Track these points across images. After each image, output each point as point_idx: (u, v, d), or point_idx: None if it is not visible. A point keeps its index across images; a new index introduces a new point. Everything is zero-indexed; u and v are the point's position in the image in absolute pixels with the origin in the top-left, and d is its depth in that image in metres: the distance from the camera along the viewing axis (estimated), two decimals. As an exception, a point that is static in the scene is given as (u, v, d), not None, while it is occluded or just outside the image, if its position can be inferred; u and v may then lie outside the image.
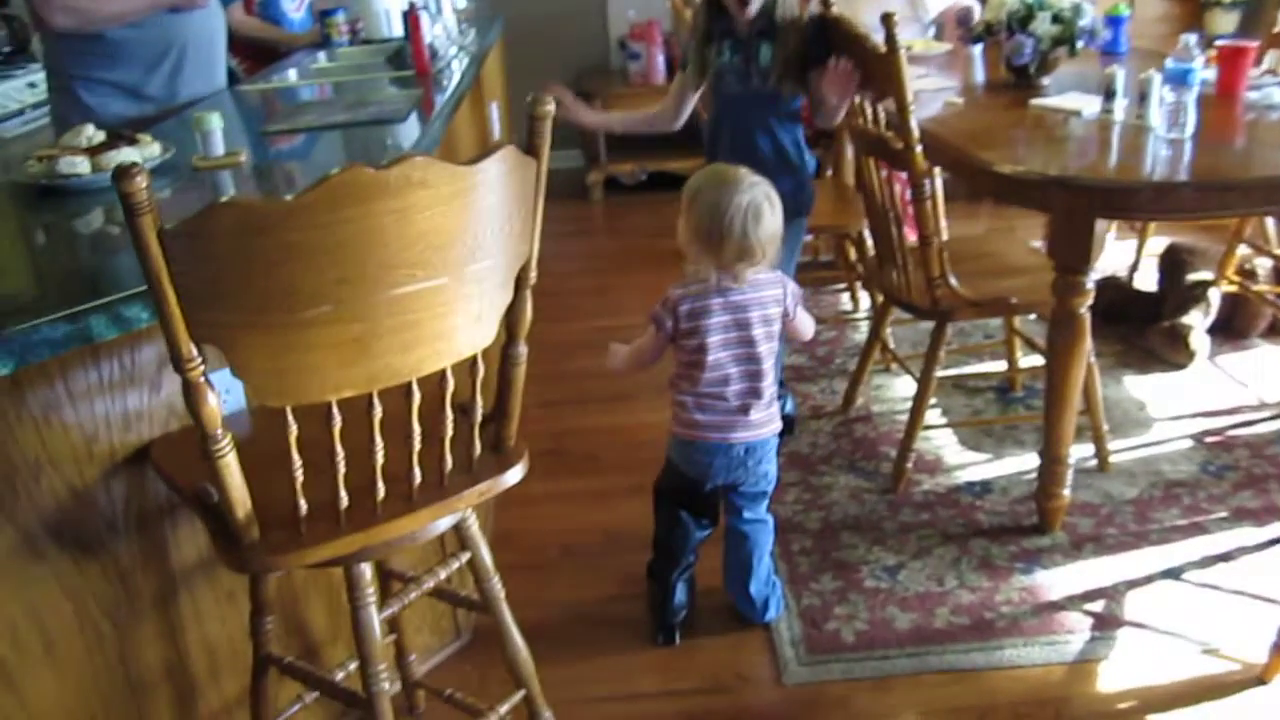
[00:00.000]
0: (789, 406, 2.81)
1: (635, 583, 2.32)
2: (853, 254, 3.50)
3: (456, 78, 2.84)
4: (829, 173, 3.84)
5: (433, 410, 1.38)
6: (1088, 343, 2.27)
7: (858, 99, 2.46)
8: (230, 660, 1.81)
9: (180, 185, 1.91)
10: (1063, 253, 2.19)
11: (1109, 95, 2.50)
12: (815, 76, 2.49)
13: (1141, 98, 2.41)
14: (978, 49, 3.30)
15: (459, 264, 1.29)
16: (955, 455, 2.78)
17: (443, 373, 1.37)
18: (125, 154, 1.90)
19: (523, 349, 1.50)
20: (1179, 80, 2.26)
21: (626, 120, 3.09)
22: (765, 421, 2.04)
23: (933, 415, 2.94)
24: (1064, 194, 2.12)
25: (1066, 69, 2.90)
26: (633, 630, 2.25)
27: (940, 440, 2.85)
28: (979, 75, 3.26)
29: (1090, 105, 2.58)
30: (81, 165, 1.85)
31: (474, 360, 1.41)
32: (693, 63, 2.70)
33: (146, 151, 1.96)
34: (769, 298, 1.99)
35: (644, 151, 5.35)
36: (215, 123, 1.98)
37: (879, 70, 2.30)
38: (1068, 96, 2.70)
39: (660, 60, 5.31)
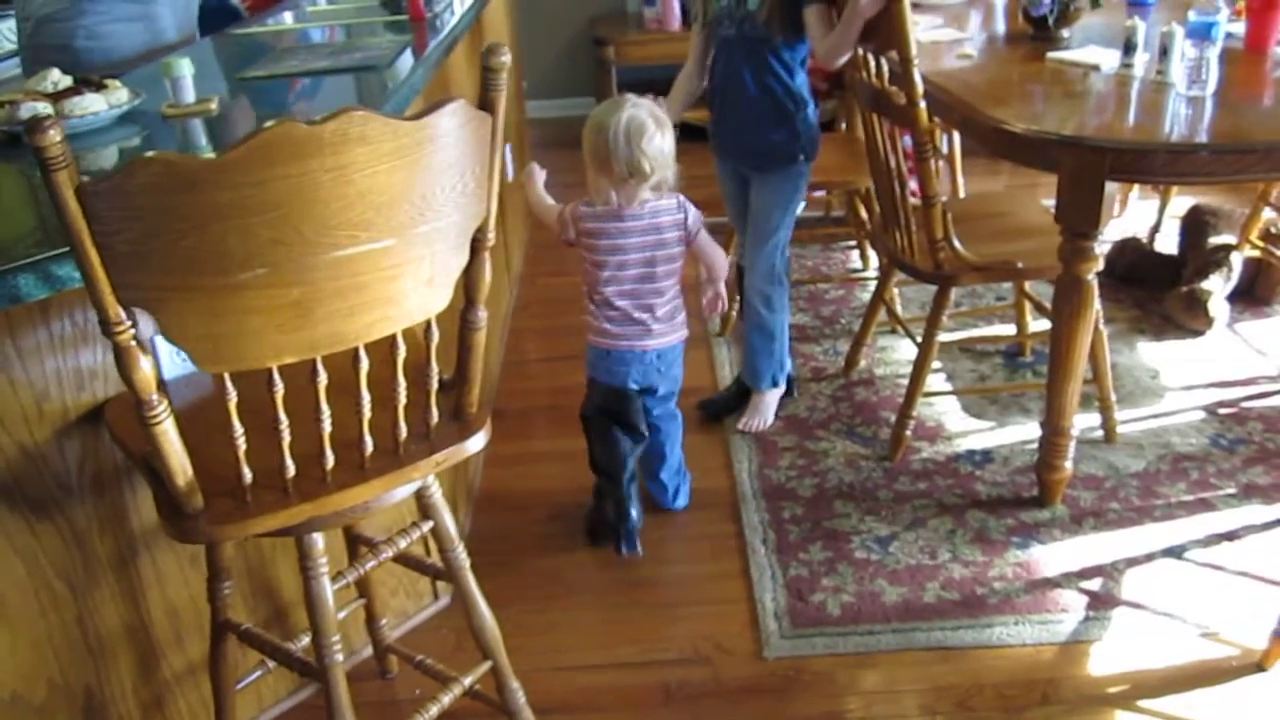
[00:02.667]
0: (789, 367, 2.74)
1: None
2: (863, 211, 3.39)
3: (454, 23, 2.74)
4: (842, 125, 3.73)
5: (387, 377, 1.33)
6: (1095, 310, 2.17)
7: (860, 50, 2.35)
8: (194, 623, 1.77)
9: (148, 134, 1.85)
10: (1070, 216, 2.09)
11: (1128, 49, 2.38)
12: (810, 16, 2.37)
13: (1163, 52, 2.29)
14: (999, 3, 3.17)
15: (406, 225, 1.22)
16: (957, 422, 2.70)
17: (393, 338, 1.30)
18: (90, 100, 1.83)
19: (482, 313, 1.43)
20: (1201, 34, 2.13)
21: (674, 110, 2.68)
22: (669, 331, 2.21)
23: (936, 380, 2.86)
24: (1074, 154, 2.01)
25: (1091, 20, 2.77)
26: (614, 596, 2.20)
27: (942, 406, 2.77)
28: (997, 26, 3.13)
29: (1109, 60, 2.45)
30: (43, 111, 1.78)
31: (428, 325, 1.34)
32: (696, 9, 2.62)
33: (114, 98, 1.89)
34: (666, 221, 2.12)
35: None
36: (185, 69, 1.91)
37: (881, 20, 2.19)
38: (1087, 50, 2.57)
39: (676, 6, 5.17)
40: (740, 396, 2.80)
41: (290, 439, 1.30)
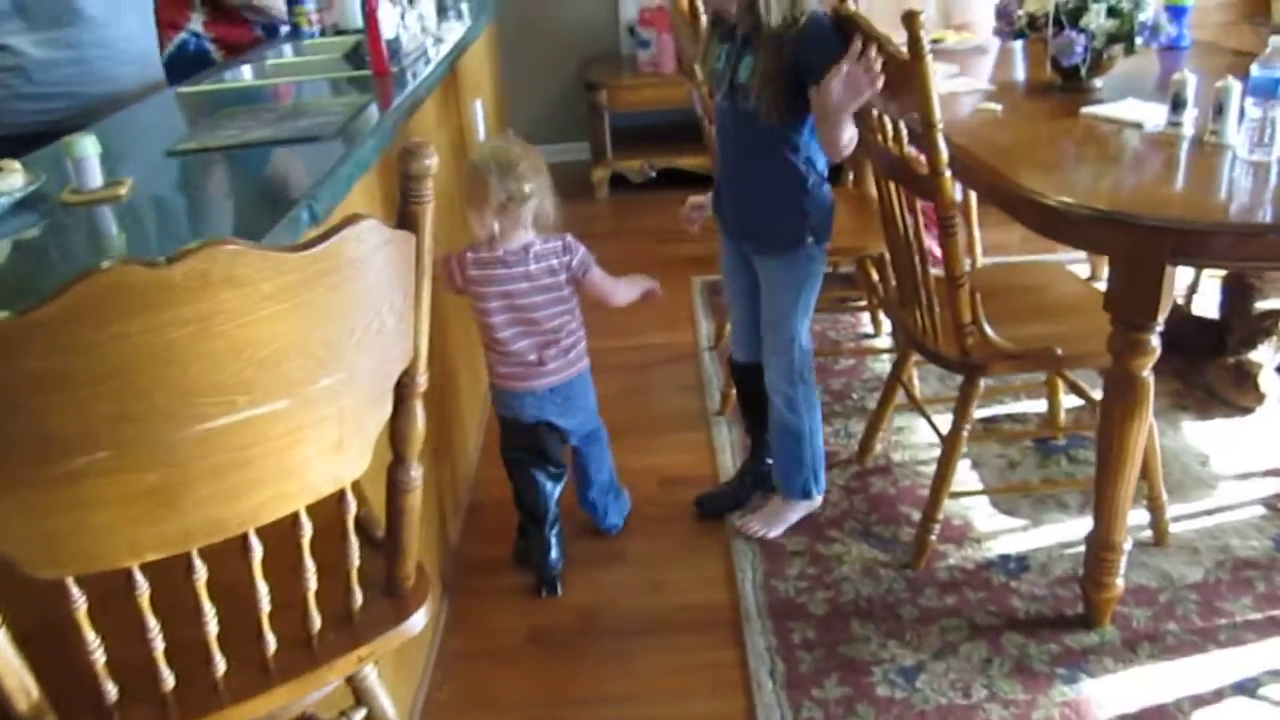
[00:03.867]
0: (823, 479, 2.44)
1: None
2: (874, 274, 3.11)
3: (422, 77, 2.48)
4: (850, 179, 3.46)
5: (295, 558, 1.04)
6: (1149, 410, 1.88)
7: (875, 112, 2.08)
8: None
9: (44, 225, 1.57)
10: (1123, 304, 1.80)
11: (1177, 105, 2.11)
12: (815, 96, 2.03)
13: (1217, 110, 2.02)
14: (1018, 45, 2.90)
15: (302, 381, 0.94)
16: (986, 521, 2.41)
17: (295, 517, 1.02)
18: (-28, 188, 1.56)
19: (414, 472, 1.14)
20: (1268, 92, 1.86)
21: None
22: (562, 369, 2.21)
23: (962, 467, 2.57)
24: (1127, 235, 1.73)
25: (1124, 68, 2.50)
26: None
27: (970, 501, 2.48)
28: (1019, 75, 2.86)
29: (1152, 116, 2.18)
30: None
31: (341, 495, 1.06)
32: (699, 59, 2.37)
33: (6, 182, 1.61)
34: (552, 264, 2.14)
35: (653, 147, 4.98)
36: (88, 148, 1.63)
37: (901, 79, 1.91)
38: (1125, 104, 2.30)
39: (671, 48, 4.92)
40: (744, 490, 2.51)
41: (168, 643, 1.02)
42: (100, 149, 1.65)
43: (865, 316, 3.45)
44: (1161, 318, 1.78)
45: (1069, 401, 2.69)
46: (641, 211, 4.82)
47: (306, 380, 0.94)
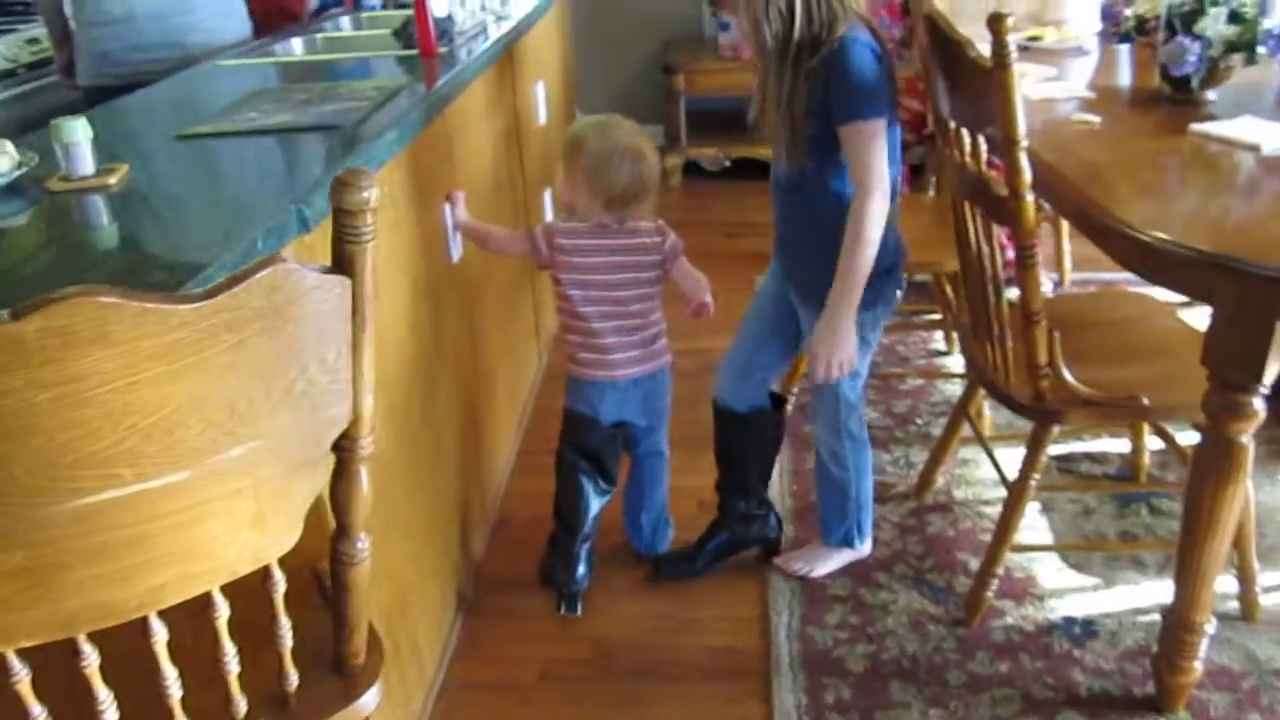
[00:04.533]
0: (869, 532, 2.23)
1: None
2: (949, 289, 2.88)
3: (470, 60, 2.33)
4: (930, 190, 3.23)
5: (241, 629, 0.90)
6: (1246, 477, 1.65)
7: (952, 124, 1.86)
8: None
9: (19, 216, 1.45)
10: (1223, 359, 1.57)
11: (1303, 128, 1.85)
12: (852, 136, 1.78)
13: (1350, 137, 1.76)
14: (1124, 49, 2.64)
15: (204, 450, 0.79)
16: (1052, 575, 2.19)
17: (208, 598, 0.88)
18: (-46, 171, 1.45)
19: (360, 544, 0.99)
20: None
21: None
22: (648, 358, 2.09)
23: (1030, 510, 2.34)
24: (1233, 282, 1.49)
25: (1242, 79, 2.23)
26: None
27: (1035, 552, 2.26)
28: (1123, 82, 2.60)
29: (1272, 137, 1.92)
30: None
31: (266, 573, 0.91)
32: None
33: (-9, 166, 1.50)
34: (646, 243, 2.03)
35: (729, 135, 4.77)
36: (78, 133, 1.51)
37: (981, 90, 1.70)
38: (1240, 123, 2.04)
39: (754, 32, 4.69)
40: (702, 561, 2.25)
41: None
42: (92, 133, 1.53)
43: (939, 334, 3.22)
44: (1269, 379, 1.54)
45: (1156, 442, 2.45)
46: (713, 202, 4.63)
47: (210, 449, 0.79)
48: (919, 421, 2.78)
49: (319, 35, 2.96)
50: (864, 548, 2.22)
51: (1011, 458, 2.35)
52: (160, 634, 0.86)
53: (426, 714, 1.93)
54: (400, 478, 1.83)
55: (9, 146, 1.58)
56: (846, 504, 2.14)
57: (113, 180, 1.52)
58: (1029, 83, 2.52)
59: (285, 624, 0.95)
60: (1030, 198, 1.71)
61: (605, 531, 2.25)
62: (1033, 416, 1.90)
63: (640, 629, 2.11)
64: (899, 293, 2.04)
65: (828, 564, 2.21)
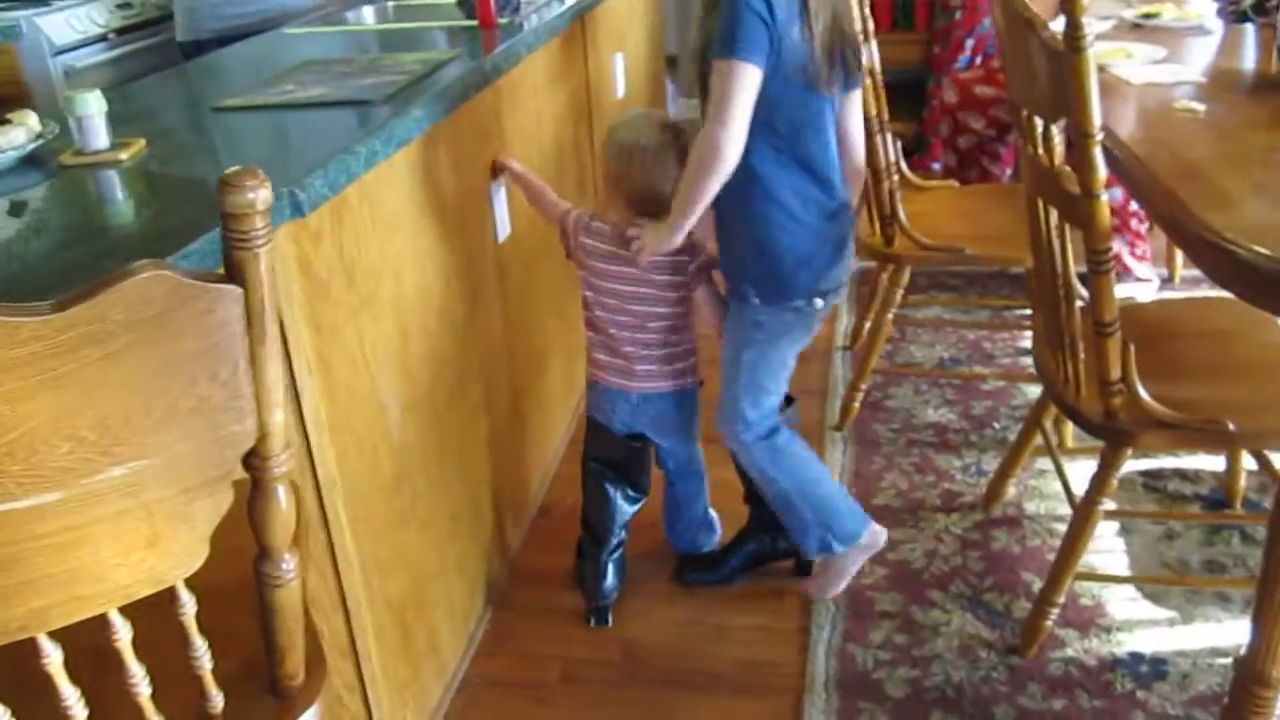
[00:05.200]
0: (850, 525, 1.99)
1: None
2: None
3: (526, 33, 2.24)
4: (1004, 171, 3.03)
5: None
6: (1339, 522, 1.47)
7: (1024, 113, 1.69)
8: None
9: (29, 188, 1.43)
10: (1314, 389, 1.39)
11: None
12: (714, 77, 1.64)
13: None
14: (1250, 29, 2.40)
15: (75, 471, 0.72)
16: (1123, 605, 2.01)
17: (104, 620, 0.82)
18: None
19: (286, 564, 0.91)
20: None
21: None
22: (665, 376, 1.95)
23: (1107, 531, 2.17)
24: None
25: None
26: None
27: (1105, 572, 2.08)
28: (1244, 67, 2.36)
29: (1403, 135, 1.70)
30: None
31: (173, 594, 0.85)
32: None
33: (5, 138, 1.48)
34: (670, 262, 1.86)
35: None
36: (91, 106, 1.48)
37: (1054, 76, 1.53)
38: (1369, 116, 1.82)
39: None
40: (728, 570, 2.13)
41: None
42: (105, 106, 1.50)
43: (1030, 330, 3.02)
44: (1366, 415, 1.35)
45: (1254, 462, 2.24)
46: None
47: (83, 469, 0.72)
48: (996, 426, 2.61)
49: (390, 3, 2.91)
50: (871, 538, 1.97)
51: (1089, 473, 2.19)
52: (53, 655, 0.81)
53: (443, 710, 1.88)
54: (420, 468, 1.77)
55: (31, 118, 1.56)
56: (800, 513, 1.94)
57: (125, 155, 1.48)
58: (1134, 65, 2.31)
59: (200, 646, 0.89)
60: (1104, 198, 1.54)
61: (642, 528, 2.15)
62: (1103, 436, 1.73)
63: (671, 634, 2.02)
64: (817, 306, 1.82)
65: (840, 576, 2.02)
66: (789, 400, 2.03)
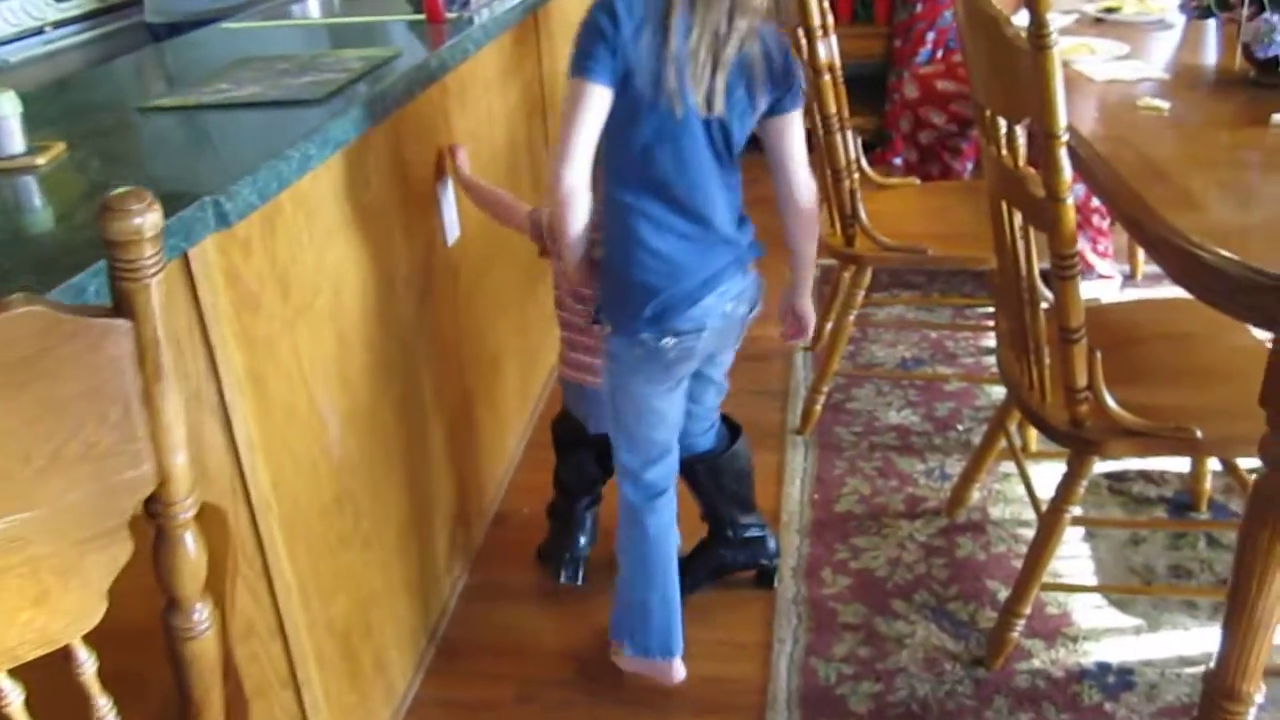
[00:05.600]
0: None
1: None
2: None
3: (474, 28, 2.16)
4: (965, 166, 3.00)
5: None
6: (1309, 532, 1.43)
7: (988, 112, 1.64)
8: None
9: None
10: (1283, 400, 1.35)
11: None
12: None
13: None
14: (1212, 25, 2.36)
15: (-59, 528, 0.64)
16: (1089, 613, 1.98)
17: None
18: None
19: (198, 615, 0.84)
20: None
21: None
22: None
23: (1072, 537, 2.14)
24: (1299, 312, 1.27)
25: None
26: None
27: (1069, 578, 2.05)
28: (1206, 64, 2.33)
29: (1370, 134, 1.67)
30: None
31: (67, 652, 0.77)
32: None
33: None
34: None
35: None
36: (5, 106, 1.38)
37: (1018, 75, 1.48)
38: (1334, 114, 1.79)
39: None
40: (691, 577, 1.99)
41: None
42: (21, 107, 1.41)
43: (992, 330, 2.98)
44: (1339, 425, 1.32)
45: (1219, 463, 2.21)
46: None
47: (-50, 524, 0.65)
48: (959, 428, 2.57)
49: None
50: (641, 658, 1.84)
51: (1055, 478, 2.15)
52: (-66, 725, 0.73)
53: (391, 733, 1.81)
54: (365, 484, 1.69)
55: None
56: (624, 595, 1.83)
57: (42, 160, 1.39)
58: (1096, 61, 2.27)
59: (104, 705, 0.81)
60: (1070, 202, 1.49)
61: (601, 537, 2.09)
62: (1069, 444, 1.69)
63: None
64: (665, 345, 1.61)
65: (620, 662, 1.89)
66: (735, 431, 1.95)
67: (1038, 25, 1.38)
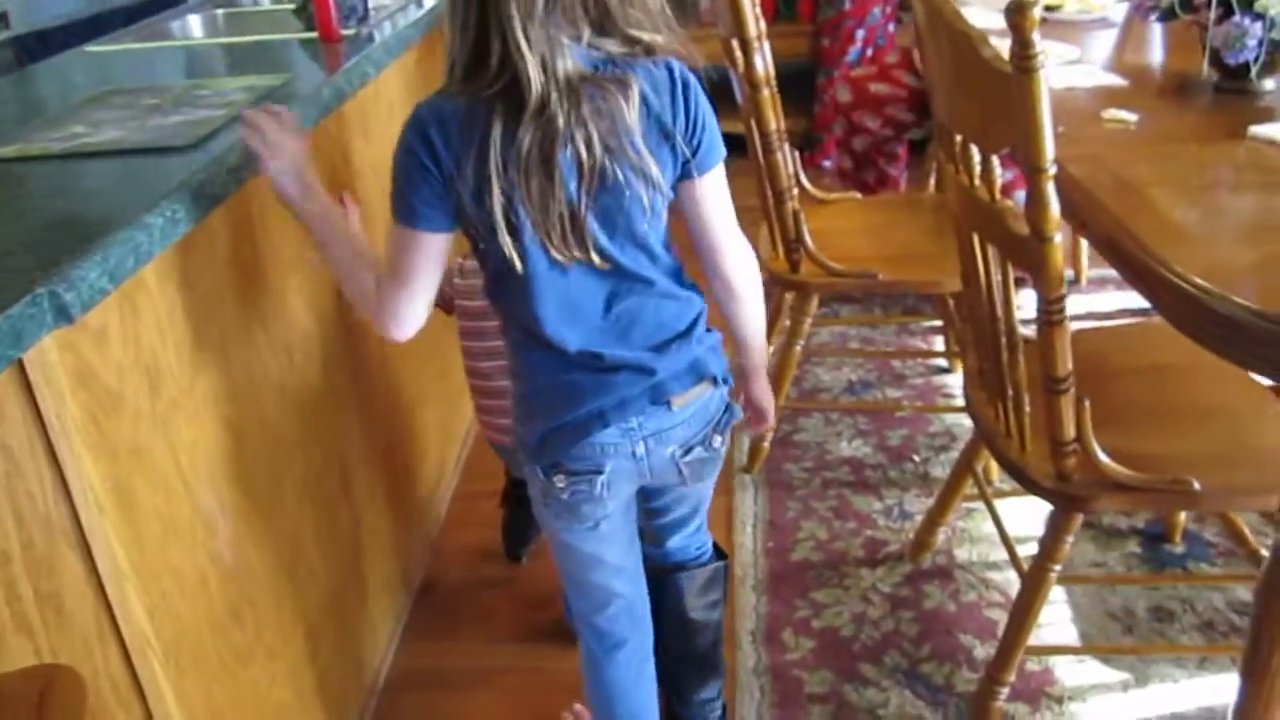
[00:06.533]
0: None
1: None
2: (952, 304, 2.50)
3: (371, 49, 1.93)
4: (901, 170, 2.88)
5: None
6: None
7: (957, 138, 1.47)
8: None
9: None
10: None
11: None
12: None
13: None
14: (1155, 24, 2.24)
15: None
16: (1071, 669, 1.83)
17: None
18: None
19: None
20: None
21: None
22: None
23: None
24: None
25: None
26: None
27: (1051, 633, 1.90)
28: (1154, 64, 2.22)
29: (1354, 146, 1.55)
30: None
31: None
32: None
33: None
34: None
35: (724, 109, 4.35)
36: None
37: (996, 100, 1.31)
38: (1312, 125, 1.66)
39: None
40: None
41: None
42: None
43: (939, 340, 2.85)
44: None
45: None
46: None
47: None
48: (915, 459, 2.41)
49: (222, 11, 2.56)
50: None
51: (1025, 515, 2.02)
52: None
53: None
54: (266, 587, 1.47)
55: None
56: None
57: None
58: (1050, 66, 2.12)
59: None
60: (1058, 239, 1.33)
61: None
62: (1054, 501, 1.53)
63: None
64: (556, 485, 1.30)
65: None
66: (720, 554, 1.63)
67: (1023, 46, 1.21)
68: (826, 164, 3.98)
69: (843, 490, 2.32)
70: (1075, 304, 2.87)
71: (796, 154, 2.42)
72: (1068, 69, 2.10)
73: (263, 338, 1.47)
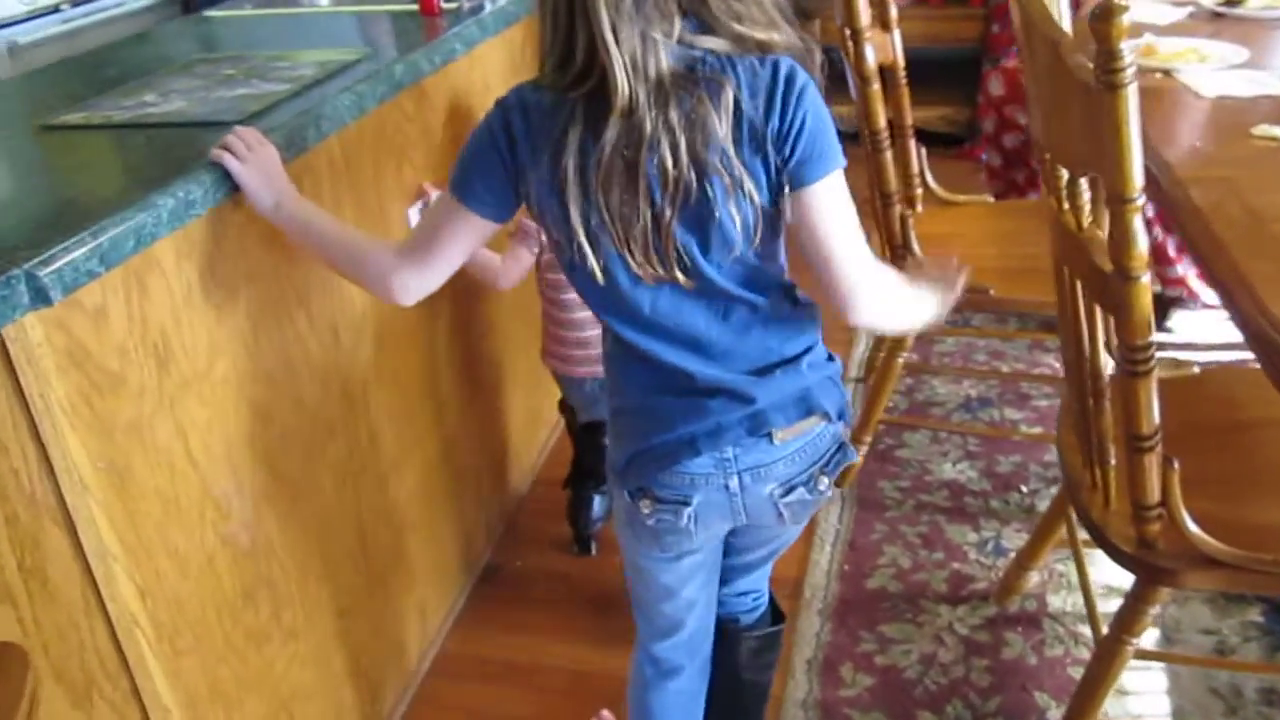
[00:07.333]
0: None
1: None
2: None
3: (467, 23, 1.89)
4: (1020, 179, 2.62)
5: None
6: None
7: (1048, 157, 1.30)
8: None
9: None
10: None
11: None
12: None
13: None
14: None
15: None
16: (1159, 744, 1.65)
17: None
18: None
19: None
20: None
21: None
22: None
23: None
24: None
25: None
26: None
27: (1139, 703, 1.72)
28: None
29: None
30: None
31: None
32: None
33: None
34: None
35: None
36: None
37: (1083, 116, 1.14)
38: None
39: (906, -28, 4.03)
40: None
41: None
42: None
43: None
44: None
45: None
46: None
47: None
48: (1023, 490, 2.23)
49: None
50: None
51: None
52: None
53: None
54: (292, 567, 1.46)
55: None
56: None
57: (-120, 198, 1.18)
58: (1206, 71, 1.89)
59: None
60: (1146, 280, 1.16)
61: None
62: (1134, 570, 1.36)
63: None
64: (642, 510, 1.21)
65: None
66: (778, 615, 1.52)
67: (1109, 57, 1.05)
68: (984, 157, 3.74)
69: (937, 516, 2.16)
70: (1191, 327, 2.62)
71: (923, 151, 2.26)
72: (1226, 74, 1.87)
73: (303, 317, 1.45)
